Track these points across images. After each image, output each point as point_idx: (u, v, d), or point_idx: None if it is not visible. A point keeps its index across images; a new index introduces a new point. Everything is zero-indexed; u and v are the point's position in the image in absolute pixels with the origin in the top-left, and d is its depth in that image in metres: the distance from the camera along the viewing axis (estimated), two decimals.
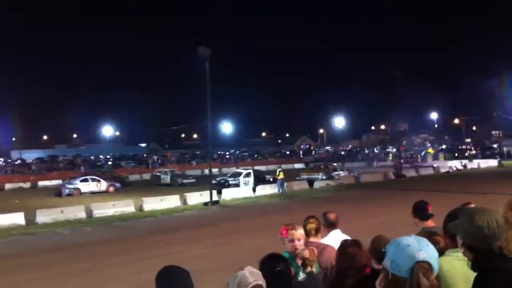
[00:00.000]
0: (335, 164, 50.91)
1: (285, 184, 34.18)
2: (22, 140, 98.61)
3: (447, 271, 2.58)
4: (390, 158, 68.95)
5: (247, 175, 37.82)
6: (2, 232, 20.11)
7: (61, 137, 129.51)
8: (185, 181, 43.18)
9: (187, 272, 2.76)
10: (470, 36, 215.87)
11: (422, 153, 70.48)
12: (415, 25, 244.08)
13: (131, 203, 26.37)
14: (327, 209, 5.61)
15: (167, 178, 44.06)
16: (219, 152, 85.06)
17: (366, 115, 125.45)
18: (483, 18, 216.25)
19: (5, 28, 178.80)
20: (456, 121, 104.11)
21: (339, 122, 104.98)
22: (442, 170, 49.09)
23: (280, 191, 33.39)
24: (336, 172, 42.54)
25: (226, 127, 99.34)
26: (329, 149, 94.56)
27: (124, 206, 25.92)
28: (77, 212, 24.25)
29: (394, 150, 71.38)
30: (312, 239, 4.61)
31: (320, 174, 41.31)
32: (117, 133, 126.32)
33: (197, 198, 28.67)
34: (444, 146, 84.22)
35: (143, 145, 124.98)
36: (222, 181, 37.22)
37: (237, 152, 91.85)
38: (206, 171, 42.93)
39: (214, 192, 28.96)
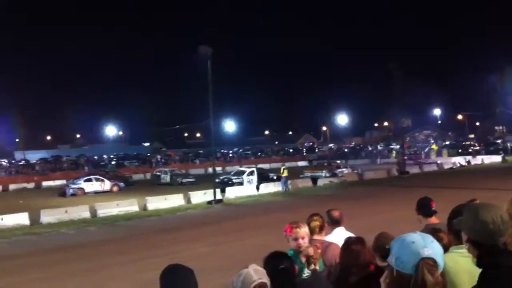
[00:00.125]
0: (338, 162, 50.95)
1: (289, 181, 34.18)
2: (26, 140, 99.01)
3: (451, 267, 2.57)
4: (394, 155, 68.82)
5: (251, 173, 37.82)
6: (6, 232, 20.19)
7: (64, 137, 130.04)
8: (184, 180, 43.40)
9: (191, 270, 2.76)
10: (470, 36, 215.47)
11: (426, 150, 70.36)
12: (415, 25, 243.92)
13: (135, 203, 26.42)
14: (331, 206, 5.60)
15: (167, 178, 44.28)
16: (222, 151, 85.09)
17: (369, 112, 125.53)
18: (483, 18, 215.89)
19: (5, 28, 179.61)
20: (460, 117, 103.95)
21: (342, 119, 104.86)
22: (446, 167, 49.04)
23: (284, 189, 33.40)
24: (340, 170, 42.48)
25: (229, 126, 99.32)
26: (333, 147, 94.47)
27: (128, 206, 25.97)
28: (81, 212, 24.31)
29: (398, 146, 71.28)
30: (316, 237, 4.60)
31: (324, 171, 41.27)
32: (120, 133, 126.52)
33: (200, 197, 28.69)
34: (447, 142, 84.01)
35: (147, 144, 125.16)
36: (225, 179, 37.24)
37: (241, 150, 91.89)
38: (210, 170, 43.11)
39: (218, 190, 29.02)
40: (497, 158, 56.00)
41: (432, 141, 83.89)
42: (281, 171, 34.71)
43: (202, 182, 36.96)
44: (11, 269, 13.67)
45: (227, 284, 2.91)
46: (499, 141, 71.59)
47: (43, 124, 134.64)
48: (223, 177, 38.81)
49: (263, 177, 38.14)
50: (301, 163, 66.57)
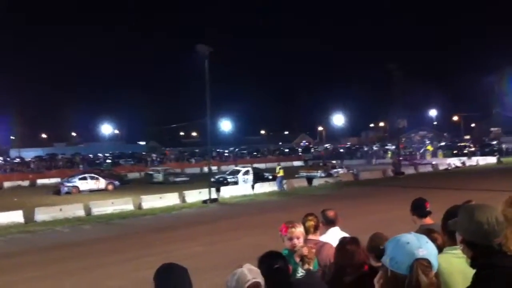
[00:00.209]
0: (334, 162, 50.94)
1: (285, 181, 34.20)
2: (21, 138, 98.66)
3: (445, 268, 2.58)
4: (389, 155, 68.96)
5: (246, 172, 37.81)
6: (1, 231, 20.11)
7: (60, 135, 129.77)
8: (177, 179, 43.50)
9: (185, 269, 2.75)
10: (470, 36, 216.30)
11: (421, 150, 70.47)
12: (415, 25, 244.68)
13: (130, 201, 26.38)
14: (326, 206, 5.61)
15: (159, 177, 44.32)
16: (218, 150, 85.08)
17: (365, 113, 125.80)
18: (483, 18, 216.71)
19: (5, 28, 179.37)
20: (455, 118, 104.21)
21: (338, 119, 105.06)
22: (441, 167, 49.13)
23: (280, 188, 33.41)
24: (335, 170, 42.52)
25: (225, 125, 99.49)
26: (328, 147, 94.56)
27: (123, 204, 25.93)
28: (76, 210, 24.25)
29: (393, 147, 71.41)
30: (311, 237, 4.60)
31: (319, 171, 41.30)
32: (116, 131, 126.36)
33: (196, 196, 28.67)
34: (443, 143, 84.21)
35: (142, 143, 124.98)
36: (221, 179, 37.25)
37: (236, 150, 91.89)
38: (205, 169, 42.96)
39: (213, 190, 28.98)
40: (492, 160, 56.18)
41: (428, 142, 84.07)
42: (277, 171, 34.76)
43: (197, 181, 36.90)
44: (8, 267, 13.61)
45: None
46: (494, 142, 71.81)
47: (41, 122, 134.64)
48: (219, 176, 38.82)
49: (259, 176, 38.13)
50: (297, 163, 66.60)
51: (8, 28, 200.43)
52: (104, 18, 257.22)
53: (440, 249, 2.76)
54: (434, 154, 67.39)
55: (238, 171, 38.53)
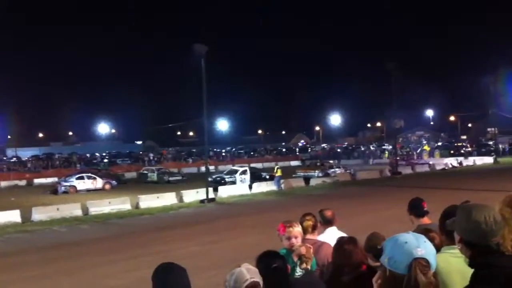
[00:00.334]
0: (331, 162, 50.95)
1: (282, 181, 34.22)
2: (18, 137, 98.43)
3: (443, 268, 2.58)
4: (386, 155, 69.06)
5: (244, 172, 37.79)
6: None
7: (57, 134, 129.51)
8: (171, 178, 43.50)
9: (183, 269, 2.75)
10: (468, 36, 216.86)
11: (418, 150, 70.58)
12: (415, 25, 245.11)
13: (127, 201, 26.34)
14: (323, 206, 5.61)
15: (153, 176, 44.30)
16: (215, 150, 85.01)
17: (362, 113, 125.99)
18: (481, 18, 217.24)
19: (5, 28, 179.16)
20: (452, 118, 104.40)
21: (335, 119, 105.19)
22: (438, 167, 49.19)
23: (278, 188, 33.45)
24: (332, 170, 42.53)
25: (222, 125, 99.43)
26: (325, 147, 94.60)
27: (120, 204, 25.89)
28: (73, 210, 24.19)
29: (390, 147, 71.50)
30: (308, 236, 4.61)
31: (316, 171, 41.32)
32: (113, 131, 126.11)
33: (193, 195, 28.66)
34: (439, 143, 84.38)
35: (139, 142, 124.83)
36: (218, 178, 37.20)
37: (233, 149, 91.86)
38: (203, 169, 42.98)
39: (210, 189, 28.98)
40: (489, 160, 56.29)
41: (425, 142, 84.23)
42: (275, 171, 34.79)
43: (195, 181, 36.89)
44: (5, 267, 13.58)
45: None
46: (491, 142, 71.93)
47: (38, 122, 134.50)
48: (216, 176, 38.77)
49: (256, 176, 38.13)
50: (294, 163, 66.61)
51: (8, 28, 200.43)
52: (104, 18, 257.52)
53: (437, 249, 2.77)
54: (431, 154, 67.52)
55: (236, 171, 38.51)
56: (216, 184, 33.68)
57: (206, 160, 35.24)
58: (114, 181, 41.06)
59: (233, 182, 35.89)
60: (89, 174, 40.58)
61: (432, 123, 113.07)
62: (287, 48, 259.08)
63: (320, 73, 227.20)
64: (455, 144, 77.36)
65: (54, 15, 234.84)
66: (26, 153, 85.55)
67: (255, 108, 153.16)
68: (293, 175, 39.76)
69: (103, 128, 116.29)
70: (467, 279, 2.21)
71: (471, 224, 2.18)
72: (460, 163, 52.61)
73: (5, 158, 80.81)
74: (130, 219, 22.71)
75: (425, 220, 5.01)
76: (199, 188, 29.06)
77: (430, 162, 52.51)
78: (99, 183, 39.24)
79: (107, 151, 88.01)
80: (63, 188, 37.14)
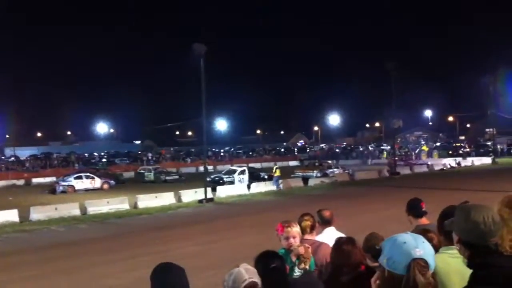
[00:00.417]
0: (329, 162, 50.97)
1: (281, 181, 34.22)
2: (16, 137, 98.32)
3: (441, 268, 2.58)
4: (385, 155, 69.06)
5: (242, 172, 37.81)
6: None
7: (55, 134, 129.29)
8: (168, 178, 43.64)
9: (182, 269, 2.75)
10: (468, 36, 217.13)
11: (416, 151, 70.61)
12: (415, 25, 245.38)
13: (126, 201, 26.32)
14: (322, 206, 5.61)
15: (150, 175, 44.39)
16: (213, 150, 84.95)
17: (360, 113, 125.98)
18: (482, 18, 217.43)
19: (5, 28, 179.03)
20: (451, 118, 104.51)
21: (334, 119, 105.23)
22: (436, 168, 49.21)
23: (277, 188, 33.46)
24: (331, 170, 42.56)
25: (221, 125, 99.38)
26: (324, 147, 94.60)
27: (118, 204, 25.87)
28: (71, 209, 24.18)
29: (389, 147, 71.51)
30: (307, 237, 4.61)
31: (315, 171, 41.37)
32: (112, 130, 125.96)
33: (191, 195, 28.65)
34: (438, 144, 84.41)
35: (138, 142, 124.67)
36: (216, 178, 37.19)
37: (232, 149, 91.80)
38: (201, 169, 42.95)
39: (209, 189, 28.97)
40: (487, 160, 56.35)
41: (423, 142, 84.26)
42: (274, 171, 34.80)
43: (193, 180, 36.87)
44: (4, 266, 13.58)
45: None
46: (489, 143, 72.01)
47: (37, 121, 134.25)
48: (214, 176, 38.77)
49: (254, 176, 38.15)
50: (293, 163, 66.64)
51: (8, 28, 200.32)
52: (104, 18, 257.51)
53: (436, 249, 2.78)
54: (429, 155, 67.52)
55: (234, 171, 38.51)
56: (215, 184, 33.67)
57: (205, 160, 35.23)
58: (112, 181, 41.05)
59: (232, 182, 35.89)
60: (88, 174, 40.57)
61: (430, 123, 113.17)
62: (287, 48, 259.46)
63: (320, 73, 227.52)
64: (454, 145, 77.42)
65: (54, 15, 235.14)
66: (24, 153, 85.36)
67: (254, 108, 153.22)
68: (292, 175, 39.79)
69: (102, 128, 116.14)
70: (465, 279, 2.21)
71: (470, 225, 2.18)
72: (459, 164, 52.64)
73: (3, 157, 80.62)
74: (129, 219, 22.70)
75: (424, 220, 5.01)
76: (198, 188, 29.06)
77: (429, 163, 52.53)
78: (97, 182, 39.22)
79: (105, 151, 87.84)
80: (61, 188, 37.12)
